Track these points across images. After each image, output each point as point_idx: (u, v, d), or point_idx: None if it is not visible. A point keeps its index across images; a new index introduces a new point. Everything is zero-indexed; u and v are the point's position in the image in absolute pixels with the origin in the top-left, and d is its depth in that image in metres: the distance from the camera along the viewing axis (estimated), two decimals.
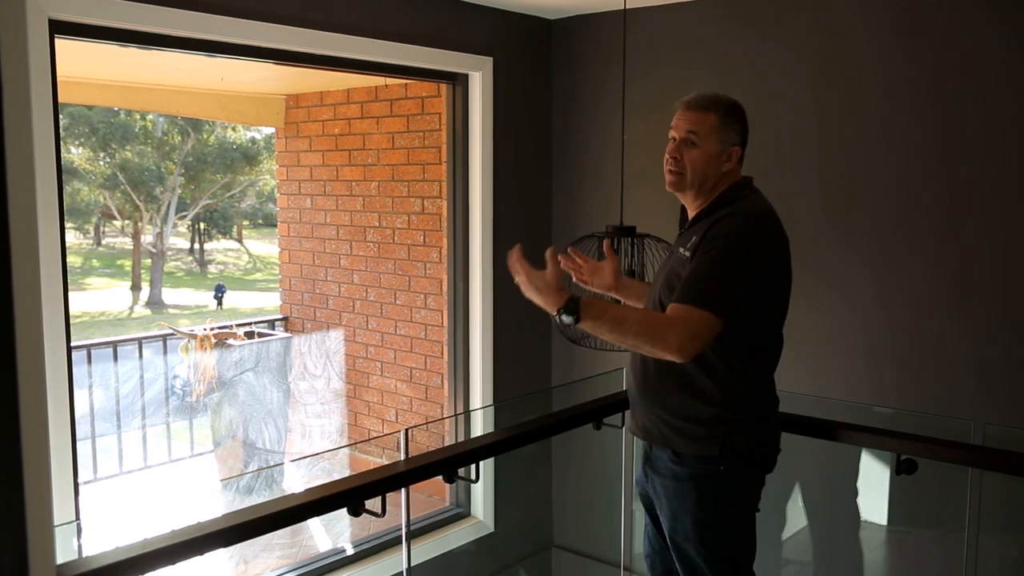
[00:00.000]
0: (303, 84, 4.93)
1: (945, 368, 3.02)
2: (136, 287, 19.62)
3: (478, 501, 3.80)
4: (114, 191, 18.78)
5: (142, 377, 5.99)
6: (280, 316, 5.63)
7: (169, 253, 21.10)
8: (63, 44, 2.49)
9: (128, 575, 1.74)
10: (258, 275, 21.71)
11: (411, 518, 2.81)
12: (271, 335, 5.43)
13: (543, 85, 3.91)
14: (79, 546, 2.01)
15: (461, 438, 3.68)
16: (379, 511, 2.20)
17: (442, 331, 4.19)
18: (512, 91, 3.73)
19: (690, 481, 2.13)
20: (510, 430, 2.63)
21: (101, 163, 18.51)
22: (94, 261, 21.42)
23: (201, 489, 5.26)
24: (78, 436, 2.60)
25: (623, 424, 2.80)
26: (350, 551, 3.41)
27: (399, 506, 2.61)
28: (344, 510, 2.14)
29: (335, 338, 5.16)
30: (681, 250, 2.12)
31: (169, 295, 19.22)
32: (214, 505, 3.68)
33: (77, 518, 2.51)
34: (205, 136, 18.97)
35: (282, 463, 5.10)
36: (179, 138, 18.86)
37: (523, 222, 3.87)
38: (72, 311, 2.58)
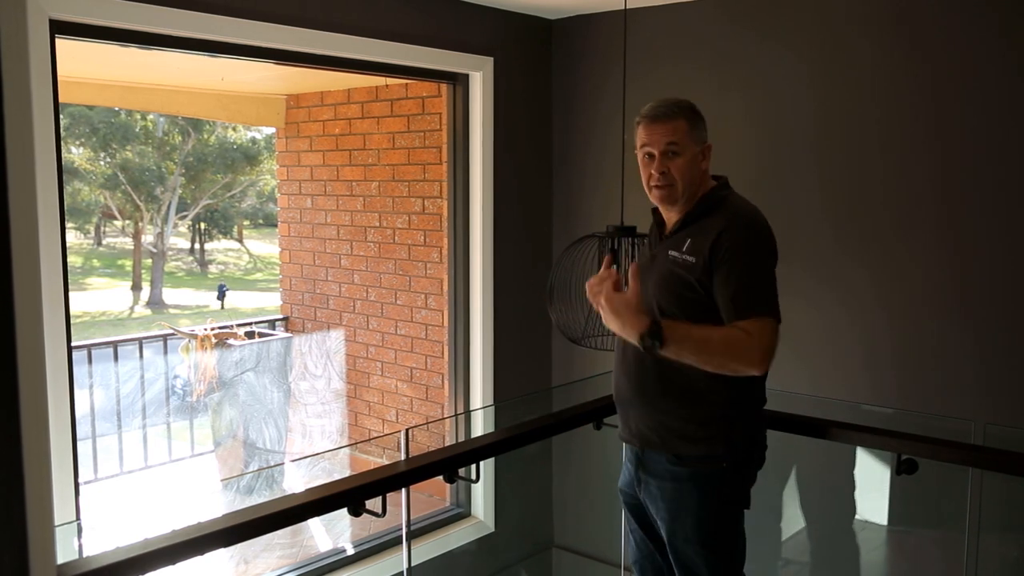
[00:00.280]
0: (303, 84, 4.93)
1: (945, 368, 3.01)
2: (137, 287, 19.60)
3: (478, 501, 3.80)
4: (115, 191, 18.75)
5: (142, 377, 5.99)
6: (280, 316, 5.63)
7: (170, 253, 21.09)
8: (64, 44, 2.50)
9: (128, 575, 1.75)
10: (258, 275, 21.69)
11: (411, 518, 2.81)
12: (271, 335, 5.43)
13: (543, 85, 3.91)
14: (79, 546, 2.02)
15: (461, 438, 3.68)
16: (379, 511, 2.20)
17: (442, 331, 4.19)
18: (512, 91, 3.74)
19: (690, 481, 2.13)
20: (510, 430, 2.63)
21: (102, 163, 18.48)
22: (95, 261, 21.40)
23: (201, 489, 5.25)
24: (79, 436, 2.60)
25: None
26: (350, 551, 3.41)
27: (399, 506, 2.61)
28: (344, 510, 2.14)
29: (335, 338, 5.16)
30: (674, 253, 2.11)
31: (169, 295, 19.20)
32: (214, 505, 3.68)
33: (77, 518, 2.51)
34: (206, 136, 18.95)
35: (282, 463, 5.10)
36: (180, 138, 18.83)
37: (523, 222, 3.87)
38: (73, 311, 2.58)
